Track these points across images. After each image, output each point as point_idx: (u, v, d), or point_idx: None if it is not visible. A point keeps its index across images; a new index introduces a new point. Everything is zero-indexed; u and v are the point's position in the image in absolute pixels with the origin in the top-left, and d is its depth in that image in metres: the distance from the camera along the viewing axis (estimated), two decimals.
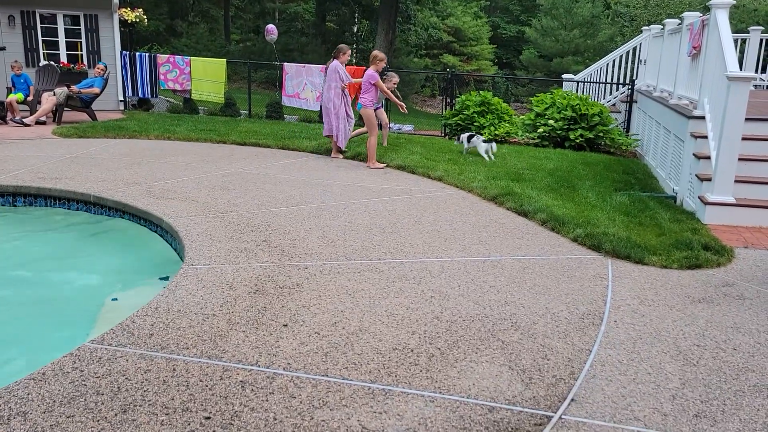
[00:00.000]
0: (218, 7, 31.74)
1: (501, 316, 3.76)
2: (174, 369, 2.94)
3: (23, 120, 10.96)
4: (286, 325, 3.48)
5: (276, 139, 10.11)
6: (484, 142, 8.94)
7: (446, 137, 11.74)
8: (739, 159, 6.17)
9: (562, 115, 10.69)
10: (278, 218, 5.66)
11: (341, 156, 8.99)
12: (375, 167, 8.32)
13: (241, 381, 2.86)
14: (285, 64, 13.63)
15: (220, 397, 2.72)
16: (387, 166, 8.45)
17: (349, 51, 9.07)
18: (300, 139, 10.07)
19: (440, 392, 2.86)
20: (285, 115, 13.70)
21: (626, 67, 12.91)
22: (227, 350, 3.15)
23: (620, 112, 12.50)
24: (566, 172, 8.18)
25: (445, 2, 29.87)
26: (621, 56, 12.88)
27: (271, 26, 14.53)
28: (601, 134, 10.61)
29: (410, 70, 27.57)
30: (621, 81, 12.88)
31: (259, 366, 3.01)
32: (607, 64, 13.09)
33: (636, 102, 11.68)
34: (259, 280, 4.14)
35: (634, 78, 12.31)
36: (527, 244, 5.25)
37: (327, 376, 2.95)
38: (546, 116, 10.93)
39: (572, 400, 2.85)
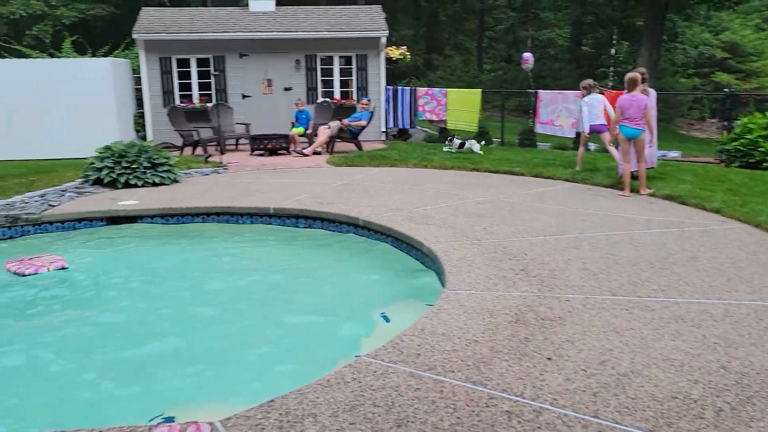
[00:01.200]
0: (472, 39, 32.84)
1: None
2: (441, 390, 3.01)
3: (302, 151, 12.47)
4: (550, 359, 3.36)
5: (529, 167, 10.01)
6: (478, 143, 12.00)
7: (723, 164, 10.48)
8: None
9: None
10: (535, 247, 5.56)
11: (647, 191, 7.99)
12: (645, 193, 7.84)
13: (507, 411, 2.82)
14: (539, 91, 13.51)
15: (487, 424, 2.71)
16: (653, 194, 7.84)
17: None
18: (554, 167, 9.83)
19: None
20: (537, 143, 13.55)
21: None
22: (491, 378, 3.14)
23: None
24: None
25: (719, 16, 26.96)
26: None
27: (527, 54, 14.54)
28: None
29: (678, 91, 25.37)
30: None
31: (524, 398, 2.94)
32: None
33: None
34: (519, 310, 4.08)
35: None
36: None
37: (598, 417, 2.77)
38: None
39: None
